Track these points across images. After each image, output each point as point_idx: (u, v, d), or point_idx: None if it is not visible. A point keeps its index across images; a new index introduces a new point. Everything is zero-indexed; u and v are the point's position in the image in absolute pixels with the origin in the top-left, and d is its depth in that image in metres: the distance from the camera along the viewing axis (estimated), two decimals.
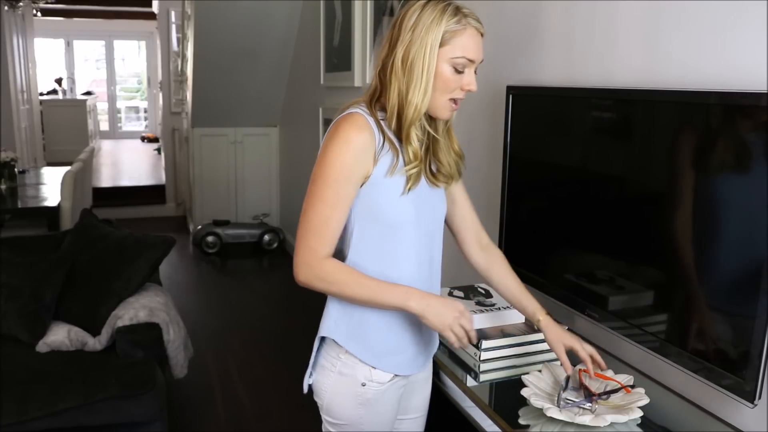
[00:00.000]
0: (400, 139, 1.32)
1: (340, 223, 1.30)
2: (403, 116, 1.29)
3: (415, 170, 1.31)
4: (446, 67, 1.28)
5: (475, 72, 1.32)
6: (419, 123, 1.32)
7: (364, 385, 1.36)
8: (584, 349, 1.41)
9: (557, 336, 1.43)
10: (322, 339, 1.41)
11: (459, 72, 1.29)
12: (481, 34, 1.31)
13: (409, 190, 1.32)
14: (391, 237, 1.34)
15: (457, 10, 1.27)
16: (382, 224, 1.32)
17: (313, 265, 1.29)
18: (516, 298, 1.51)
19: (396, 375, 1.39)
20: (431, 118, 1.37)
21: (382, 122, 1.31)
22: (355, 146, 1.26)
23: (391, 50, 1.30)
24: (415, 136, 1.31)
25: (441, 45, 1.26)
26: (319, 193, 1.28)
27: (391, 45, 1.30)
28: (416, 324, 1.40)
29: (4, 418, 2.12)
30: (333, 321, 1.37)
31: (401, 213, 1.33)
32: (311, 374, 1.43)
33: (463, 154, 1.44)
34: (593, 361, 1.41)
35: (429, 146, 1.38)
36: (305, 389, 1.45)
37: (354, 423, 1.39)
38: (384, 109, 1.33)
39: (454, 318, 1.29)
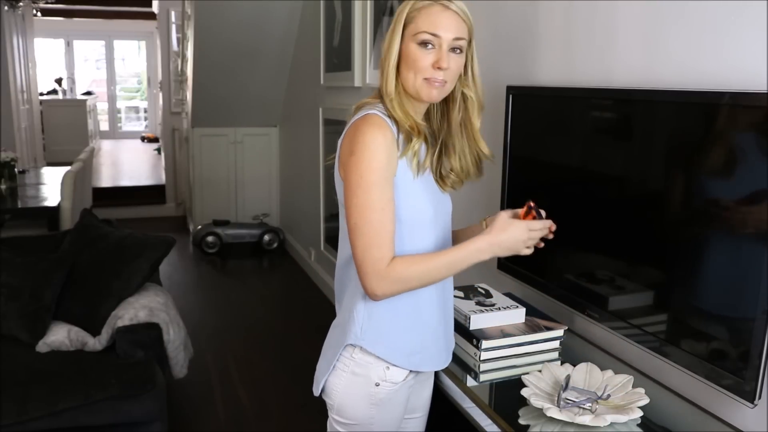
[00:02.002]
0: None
1: (392, 224, 1.28)
2: (383, 97, 1.32)
3: (419, 144, 1.32)
4: (411, 46, 1.29)
5: (459, 51, 1.30)
6: (405, 102, 1.33)
7: (378, 385, 1.37)
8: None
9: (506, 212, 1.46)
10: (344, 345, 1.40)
11: (428, 49, 1.28)
12: (459, 15, 1.28)
13: (418, 168, 1.32)
14: (412, 237, 1.34)
15: None
16: (403, 225, 1.32)
17: (385, 274, 1.26)
18: (463, 233, 1.52)
19: (411, 372, 1.40)
20: (443, 117, 1.39)
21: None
22: (383, 146, 1.26)
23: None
24: (399, 109, 1.31)
25: (406, 25, 1.29)
26: (364, 202, 1.25)
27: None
28: (438, 321, 1.42)
29: (4, 418, 2.12)
30: (359, 328, 1.36)
31: (419, 210, 1.34)
32: (326, 378, 1.42)
33: (488, 155, 1.43)
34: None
35: (441, 151, 1.40)
36: (317, 392, 1.44)
37: (365, 423, 1.39)
38: None
39: (522, 241, 1.31)
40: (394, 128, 1.30)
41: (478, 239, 1.31)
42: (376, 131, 1.26)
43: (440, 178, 1.40)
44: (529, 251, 1.34)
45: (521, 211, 1.37)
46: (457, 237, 1.52)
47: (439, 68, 1.28)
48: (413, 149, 1.31)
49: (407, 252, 1.33)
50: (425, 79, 1.30)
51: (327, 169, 4.35)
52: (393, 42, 1.30)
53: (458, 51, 1.30)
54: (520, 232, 1.31)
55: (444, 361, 1.48)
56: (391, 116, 1.31)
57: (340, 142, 1.34)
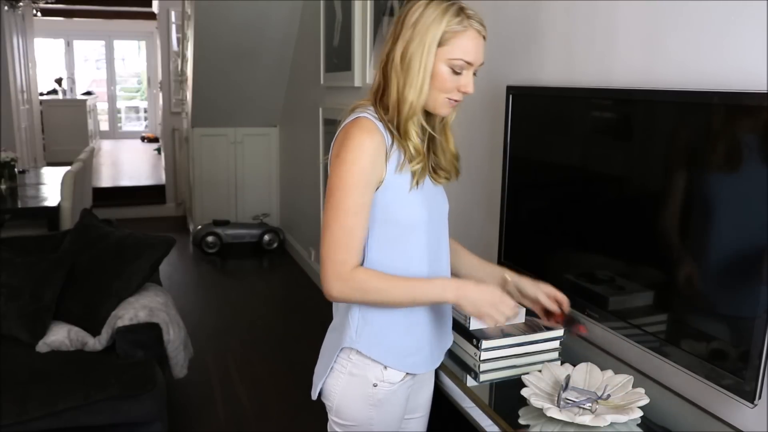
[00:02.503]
0: (401, 135, 1.32)
1: (364, 231, 1.29)
2: (400, 112, 1.30)
3: (419, 165, 1.32)
4: (443, 68, 1.28)
5: (475, 74, 1.33)
6: (416, 119, 1.33)
7: (375, 385, 1.37)
8: (559, 293, 1.47)
9: (533, 284, 1.49)
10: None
11: (457, 73, 1.29)
12: (484, 38, 1.31)
13: (416, 184, 1.32)
14: (405, 239, 1.34)
15: (461, 11, 1.27)
16: (396, 227, 1.33)
17: (346, 278, 1.27)
18: (481, 267, 1.55)
19: (408, 374, 1.40)
20: (429, 114, 1.38)
21: (389, 123, 1.31)
22: (370, 151, 1.26)
23: (393, 46, 1.30)
24: (413, 132, 1.31)
25: (440, 45, 1.27)
26: (339, 204, 1.26)
27: (393, 40, 1.31)
28: (432, 322, 1.42)
29: (4, 418, 2.12)
30: (354, 331, 1.36)
31: (414, 214, 1.34)
32: (324, 380, 1.42)
33: (458, 155, 1.44)
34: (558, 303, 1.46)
35: (428, 143, 1.40)
36: (315, 395, 1.44)
37: (364, 424, 1.39)
38: (387, 107, 1.32)
39: (489, 305, 1.31)
40: (386, 134, 1.30)
41: (452, 280, 1.34)
42: (365, 136, 1.26)
43: (433, 171, 1.41)
44: (489, 321, 1.32)
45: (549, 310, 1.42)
46: (470, 265, 1.53)
47: (465, 93, 1.31)
48: (413, 169, 1.31)
49: (398, 252, 1.33)
50: (447, 98, 1.31)
51: (325, 168, 4.35)
52: (425, 60, 1.26)
53: (476, 73, 1.33)
54: (491, 295, 1.32)
55: (437, 360, 1.48)
56: (382, 120, 1.30)
57: (332, 143, 1.34)
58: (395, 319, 1.37)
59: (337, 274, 1.27)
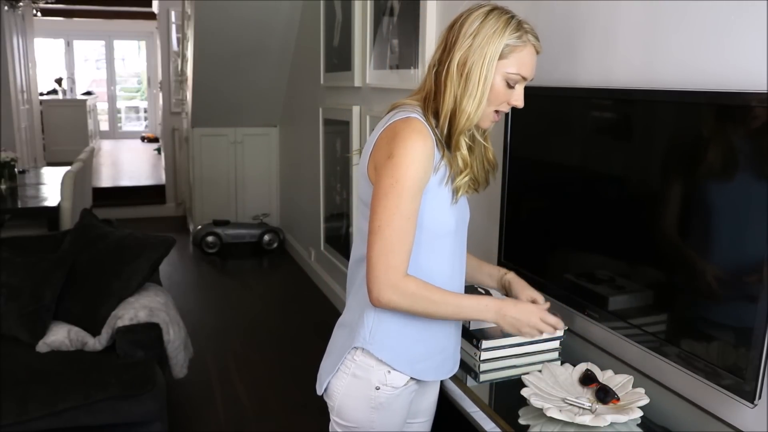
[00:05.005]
0: (448, 146, 1.31)
1: (413, 236, 1.26)
2: (454, 123, 1.29)
3: (466, 179, 1.31)
4: (499, 81, 1.28)
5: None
6: (468, 131, 1.33)
7: (378, 388, 1.36)
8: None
9: (528, 291, 1.52)
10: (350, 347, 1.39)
11: (510, 87, 1.29)
12: (537, 53, 1.31)
13: (457, 200, 1.33)
14: (430, 245, 1.33)
15: (519, 25, 1.28)
16: (424, 232, 1.30)
17: (398, 285, 1.24)
18: (479, 266, 1.58)
19: (412, 379, 1.39)
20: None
21: (436, 130, 1.31)
22: (423, 156, 1.24)
23: (448, 53, 1.29)
24: (464, 142, 1.30)
25: (499, 58, 1.27)
26: (394, 207, 1.23)
27: (448, 47, 1.29)
28: (446, 332, 1.42)
29: (4, 418, 2.12)
30: (368, 331, 1.35)
31: (445, 224, 1.33)
32: (330, 379, 1.41)
33: (497, 164, 1.44)
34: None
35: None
36: (320, 391, 1.44)
37: (365, 426, 1.38)
38: (436, 113, 1.31)
39: (528, 325, 1.33)
40: (436, 145, 1.28)
41: (492, 301, 1.33)
42: (418, 139, 1.24)
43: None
44: (528, 337, 1.37)
45: None
46: (471, 267, 1.54)
47: (515, 106, 1.32)
48: (460, 183, 1.31)
49: (423, 257, 1.32)
50: (495, 110, 1.32)
51: (330, 165, 4.34)
52: (486, 72, 1.26)
53: None
54: (531, 315, 1.33)
55: (449, 370, 1.48)
56: (430, 125, 1.29)
57: (374, 138, 1.31)
58: (411, 325, 1.35)
59: (389, 281, 1.23)
